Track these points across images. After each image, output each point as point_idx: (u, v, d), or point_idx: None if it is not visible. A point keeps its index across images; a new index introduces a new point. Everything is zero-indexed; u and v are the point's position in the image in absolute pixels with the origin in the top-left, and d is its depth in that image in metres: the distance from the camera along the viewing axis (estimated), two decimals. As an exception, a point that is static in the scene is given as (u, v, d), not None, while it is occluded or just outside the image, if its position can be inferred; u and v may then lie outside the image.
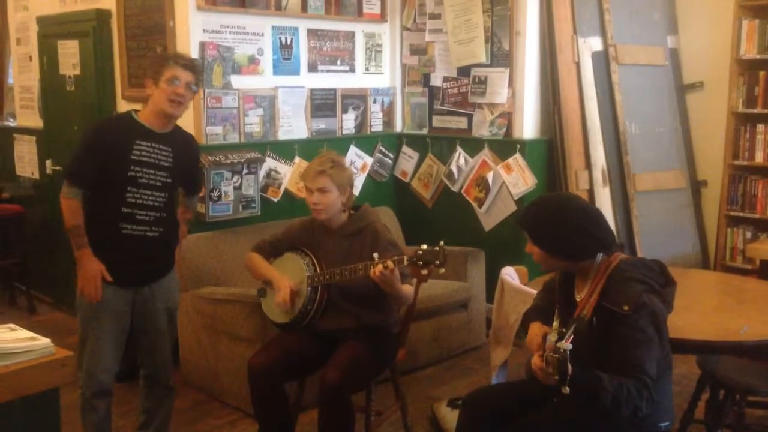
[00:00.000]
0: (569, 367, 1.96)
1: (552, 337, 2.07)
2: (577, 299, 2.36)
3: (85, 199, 2.91)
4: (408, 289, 3.00)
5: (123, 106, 4.54)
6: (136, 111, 2.99)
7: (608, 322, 2.19)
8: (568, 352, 1.94)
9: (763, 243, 4.49)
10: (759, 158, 4.76)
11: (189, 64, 2.95)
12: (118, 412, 3.49)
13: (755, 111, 4.73)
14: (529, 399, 2.47)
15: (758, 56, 4.68)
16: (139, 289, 3.01)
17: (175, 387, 3.26)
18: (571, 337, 2.10)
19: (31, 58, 5.42)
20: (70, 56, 4.89)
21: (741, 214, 4.84)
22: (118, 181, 2.88)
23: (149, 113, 2.95)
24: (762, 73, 4.70)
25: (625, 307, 2.16)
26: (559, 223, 2.32)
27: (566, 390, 1.96)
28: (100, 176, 2.88)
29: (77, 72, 4.85)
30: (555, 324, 2.34)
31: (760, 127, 4.74)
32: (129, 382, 3.58)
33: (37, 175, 5.48)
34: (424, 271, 2.75)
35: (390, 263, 2.77)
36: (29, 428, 1.88)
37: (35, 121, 5.46)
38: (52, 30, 5.09)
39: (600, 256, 2.33)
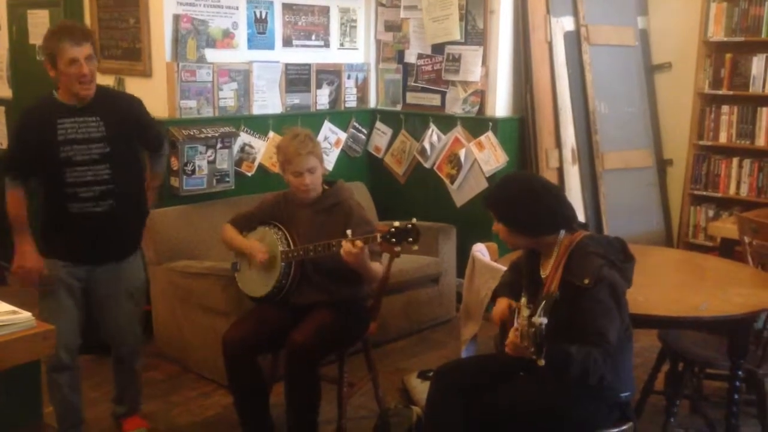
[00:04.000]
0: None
1: (524, 312, 2.15)
2: (542, 276, 2.44)
3: (33, 185, 2.91)
4: (377, 267, 3.06)
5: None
6: (57, 89, 2.89)
7: (571, 296, 2.28)
8: (543, 326, 2.03)
9: (725, 221, 4.61)
10: (723, 139, 4.88)
11: (80, 38, 2.78)
12: (90, 384, 3.52)
13: (720, 92, 4.84)
14: (497, 372, 2.55)
15: (725, 39, 4.78)
16: (94, 268, 2.98)
17: (140, 371, 3.28)
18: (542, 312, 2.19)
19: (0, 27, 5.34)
20: (40, 26, 4.81)
21: (704, 193, 4.98)
22: (54, 164, 2.84)
23: (65, 92, 2.87)
24: (728, 56, 4.80)
25: (586, 280, 2.25)
26: (524, 201, 2.41)
27: (541, 362, 2.04)
28: (35, 162, 2.86)
29: (47, 42, 4.78)
30: (523, 300, 2.43)
31: (725, 108, 4.86)
32: (99, 354, 3.60)
33: (5, 145, 5.39)
34: (397, 248, 2.82)
35: (358, 242, 2.82)
36: (11, 400, 1.92)
37: (4, 91, 5.38)
38: (21, -1, 5.02)
39: (563, 233, 2.41)
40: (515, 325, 2.23)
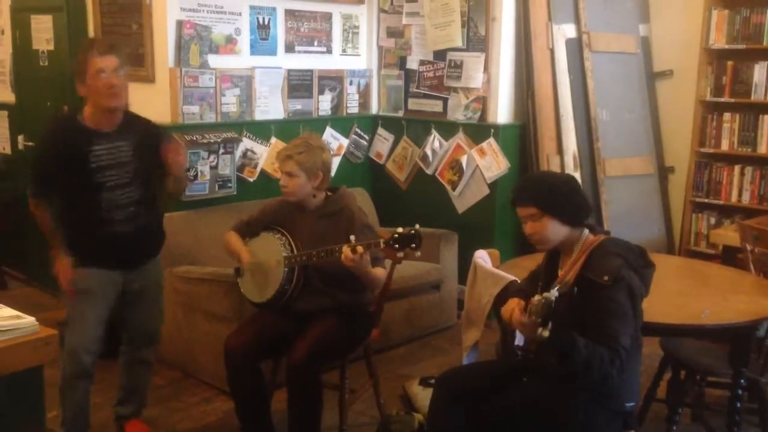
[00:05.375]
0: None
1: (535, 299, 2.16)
2: (560, 274, 2.44)
3: (62, 204, 2.92)
4: (380, 272, 3.06)
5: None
6: (79, 112, 2.91)
7: (588, 292, 2.28)
8: (554, 299, 2.03)
9: (727, 229, 4.61)
10: (725, 146, 4.88)
11: (107, 50, 2.83)
12: (94, 390, 3.50)
13: (722, 100, 4.84)
14: (499, 379, 2.55)
15: (727, 46, 4.79)
16: (128, 270, 3.05)
17: (153, 362, 3.32)
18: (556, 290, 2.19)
19: (3, 32, 5.34)
20: (43, 31, 4.83)
21: (706, 201, 4.97)
22: (87, 190, 2.87)
23: (93, 113, 2.88)
24: (730, 63, 4.80)
25: (605, 278, 2.26)
26: (567, 188, 2.46)
27: (546, 333, 2.05)
28: (66, 186, 2.87)
29: (51, 47, 4.80)
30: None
31: (727, 116, 4.85)
32: (104, 360, 3.60)
33: (8, 150, 5.41)
34: (400, 254, 2.83)
35: (359, 248, 2.83)
36: (13, 405, 1.91)
37: (7, 96, 5.39)
38: (25, 4, 5.02)
39: (586, 231, 2.43)
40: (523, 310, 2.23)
